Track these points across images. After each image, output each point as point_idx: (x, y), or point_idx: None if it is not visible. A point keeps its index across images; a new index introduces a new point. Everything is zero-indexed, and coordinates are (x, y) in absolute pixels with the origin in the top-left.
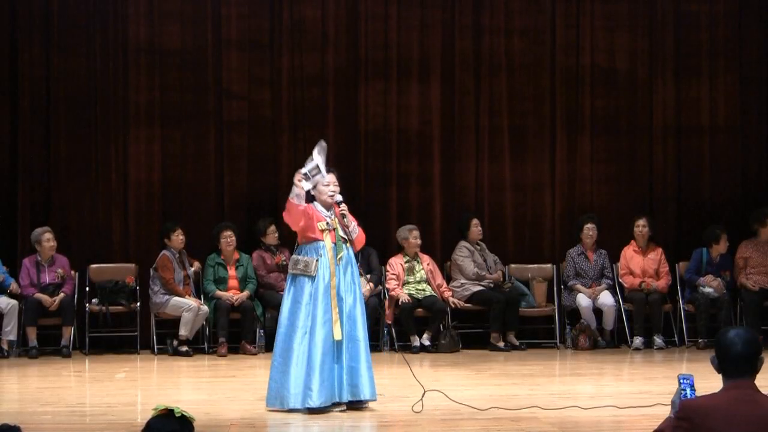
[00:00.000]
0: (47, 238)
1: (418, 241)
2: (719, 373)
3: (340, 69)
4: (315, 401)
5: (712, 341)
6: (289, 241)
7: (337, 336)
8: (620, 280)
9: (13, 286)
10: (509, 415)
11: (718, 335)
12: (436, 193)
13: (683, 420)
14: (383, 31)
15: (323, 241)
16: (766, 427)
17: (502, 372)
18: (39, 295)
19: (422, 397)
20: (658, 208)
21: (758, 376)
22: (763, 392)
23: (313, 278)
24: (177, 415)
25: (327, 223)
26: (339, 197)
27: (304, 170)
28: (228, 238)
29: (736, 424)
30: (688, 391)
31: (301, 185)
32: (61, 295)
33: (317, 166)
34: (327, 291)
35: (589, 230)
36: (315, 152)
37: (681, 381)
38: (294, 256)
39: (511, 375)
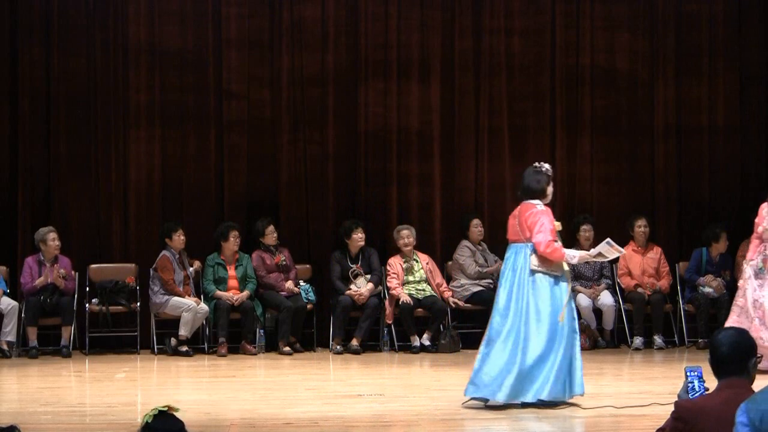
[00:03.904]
0: (52, 238)
1: (406, 241)
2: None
3: (340, 69)
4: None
5: None
6: (289, 241)
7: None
8: (618, 281)
9: None
10: (509, 415)
11: (712, 336)
12: (436, 193)
13: (678, 420)
14: (383, 31)
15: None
16: None
17: None
18: (40, 280)
19: (463, 403)
20: (658, 208)
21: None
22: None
23: (565, 278)
24: (175, 411)
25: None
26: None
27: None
28: (236, 238)
29: (729, 424)
30: (696, 383)
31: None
32: (62, 271)
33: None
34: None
35: (586, 231)
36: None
37: (688, 374)
38: (536, 255)
39: None
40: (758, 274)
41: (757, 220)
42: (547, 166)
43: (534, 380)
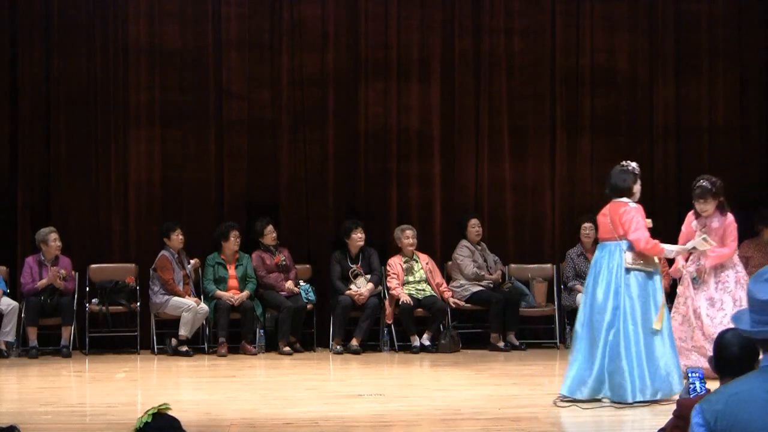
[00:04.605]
0: (53, 238)
1: (411, 241)
2: (715, 372)
3: (340, 69)
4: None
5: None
6: (289, 241)
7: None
8: None
9: None
10: (509, 415)
11: (717, 336)
12: (436, 193)
13: (679, 418)
14: (383, 31)
15: None
16: None
17: (502, 372)
18: (42, 282)
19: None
20: (658, 208)
21: None
22: None
23: (659, 273)
24: (168, 410)
25: None
26: None
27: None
28: (237, 238)
29: None
30: (698, 384)
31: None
32: (62, 271)
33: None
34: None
35: (586, 230)
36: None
37: (690, 375)
38: (631, 252)
39: (511, 375)
40: (694, 283)
41: (684, 229)
42: (633, 164)
43: (662, 379)
